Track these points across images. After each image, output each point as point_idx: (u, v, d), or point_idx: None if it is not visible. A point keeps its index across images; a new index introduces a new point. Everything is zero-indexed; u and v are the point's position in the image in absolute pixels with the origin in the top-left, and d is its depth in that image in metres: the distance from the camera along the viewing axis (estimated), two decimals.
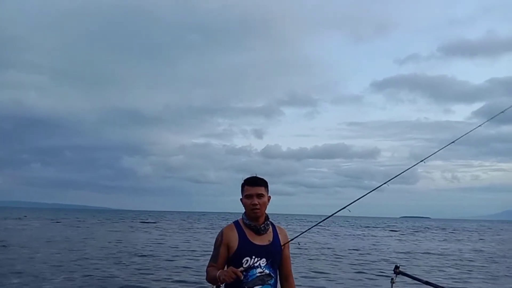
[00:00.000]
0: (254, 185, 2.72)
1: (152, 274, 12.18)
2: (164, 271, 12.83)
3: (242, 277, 2.51)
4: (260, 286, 2.62)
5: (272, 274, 2.68)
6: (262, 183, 2.75)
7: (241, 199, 2.78)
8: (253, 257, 2.65)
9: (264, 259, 2.66)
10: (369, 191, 3.11)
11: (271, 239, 2.73)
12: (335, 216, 3.06)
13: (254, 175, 2.79)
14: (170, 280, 11.28)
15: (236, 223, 2.79)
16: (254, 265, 2.63)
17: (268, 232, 2.74)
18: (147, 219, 64.89)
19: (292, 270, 2.89)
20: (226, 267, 2.71)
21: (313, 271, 13.37)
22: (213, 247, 2.78)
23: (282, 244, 2.77)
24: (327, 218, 3.19)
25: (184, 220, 69.30)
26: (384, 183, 3.17)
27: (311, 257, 17.60)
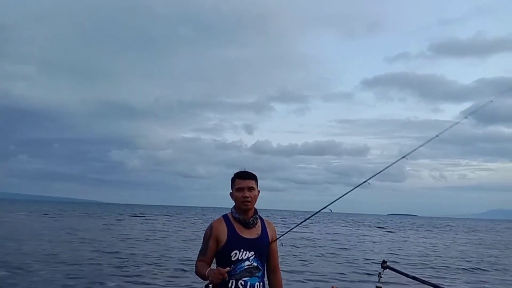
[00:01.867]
0: (245, 179, 2.76)
1: (141, 267, 12.17)
2: (153, 264, 12.83)
3: (227, 278, 2.56)
4: (248, 278, 2.68)
5: (260, 266, 2.74)
6: (253, 176, 2.81)
7: (231, 193, 2.82)
8: (242, 250, 2.70)
9: (252, 252, 2.71)
10: (351, 188, 3.14)
11: (259, 233, 2.78)
12: (322, 212, 3.09)
13: (244, 170, 2.83)
14: (159, 272, 11.30)
15: (225, 217, 2.83)
16: (242, 258, 2.68)
17: (256, 226, 2.79)
18: (136, 213, 64.58)
19: (279, 264, 2.96)
20: (215, 260, 2.77)
21: (300, 266, 13.48)
22: (202, 240, 2.82)
23: (270, 238, 2.82)
24: (310, 217, 3.24)
25: (172, 214, 69.09)
26: (366, 181, 3.20)
27: (298, 253, 17.72)
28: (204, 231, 2.86)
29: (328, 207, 3.00)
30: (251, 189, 2.75)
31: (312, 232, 33.40)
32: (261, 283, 2.74)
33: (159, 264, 12.84)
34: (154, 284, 9.85)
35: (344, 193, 3.09)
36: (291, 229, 3.02)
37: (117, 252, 15.36)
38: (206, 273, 2.62)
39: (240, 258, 2.68)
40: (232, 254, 2.68)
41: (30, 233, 21.44)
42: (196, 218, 53.21)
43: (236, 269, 2.65)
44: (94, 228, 28.50)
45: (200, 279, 2.72)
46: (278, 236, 2.92)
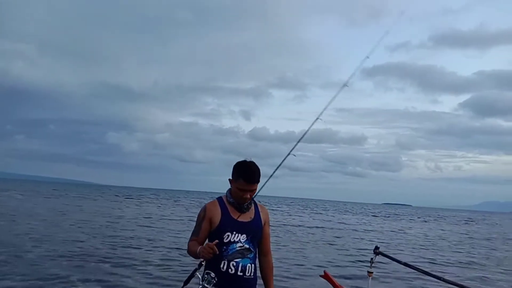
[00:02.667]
0: (251, 183, 2.69)
1: (135, 249, 12.22)
2: (146, 246, 12.89)
3: (218, 252, 2.55)
4: (240, 259, 2.69)
5: (251, 249, 2.75)
6: (259, 180, 2.73)
7: (230, 180, 2.78)
8: (234, 232, 2.71)
9: (244, 235, 2.73)
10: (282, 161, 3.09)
11: (252, 216, 2.80)
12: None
13: (250, 161, 2.74)
14: (152, 254, 11.35)
15: (220, 199, 2.83)
16: (234, 240, 2.70)
17: (250, 210, 2.80)
18: (132, 195, 64.75)
19: (271, 249, 2.97)
20: (207, 241, 2.76)
21: (292, 252, 13.57)
22: (196, 222, 2.82)
23: (263, 222, 2.84)
24: (276, 169, 3.09)
25: (168, 198, 69.34)
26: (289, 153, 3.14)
27: (292, 239, 17.85)
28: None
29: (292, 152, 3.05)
30: (253, 191, 2.73)
31: (305, 219, 33.63)
32: (253, 265, 2.76)
33: (153, 247, 12.89)
34: (147, 266, 9.89)
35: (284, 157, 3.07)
36: (260, 189, 2.84)
37: (112, 234, 15.41)
38: (198, 250, 2.62)
39: (232, 240, 2.69)
40: (224, 236, 2.69)
41: (25, 213, 21.45)
42: (192, 202, 53.40)
43: (228, 250, 2.67)
44: (90, 209, 28.55)
45: (192, 258, 2.72)
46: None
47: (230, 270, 2.66)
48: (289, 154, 3.18)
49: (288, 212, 40.92)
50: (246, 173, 2.68)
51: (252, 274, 2.74)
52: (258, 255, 2.88)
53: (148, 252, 11.76)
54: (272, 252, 2.99)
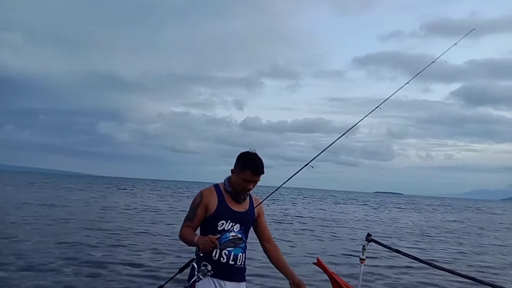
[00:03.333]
0: (258, 175, 2.73)
1: (126, 239, 12.21)
2: (139, 236, 12.89)
3: (218, 247, 2.56)
4: (232, 248, 2.73)
5: (244, 238, 2.81)
6: (264, 171, 2.76)
7: (232, 171, 2.78)
8: (229, 221, 2.73)
9: (238, 225, 2.76)
10: (301, 167, 3.13)
11: (247, 207, 2.84)
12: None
13: (255, 153, 2.76)
14: (145, 245, 11.35)
15: (217, 186, 2.83)
16: (228, 229, 2.72)
17: (245, 201, 2.85)
18: (123, 186, 64.54)
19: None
20: (199, 227, 2.77)
21: (285, 241, 13.66)
22: (190, 207, 2.81)
23: (256, 213, 2.89)
24: (276, 189, 3.22)
25: (160, 189, 69.25)
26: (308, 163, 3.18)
27: (284, 228, 17.96)
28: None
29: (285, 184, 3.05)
30: (256, 182, 2.76)
31: (297, 209, 33.82)
32: (244, 254, 2.81)
33: (146, 237, 12.89)
34: (140, 257, 9.90)
35: (293, 174, 3.08)
36: (265, 199, 3.05)
37: (103, 225, 15.37)
38: (195, 240, 2.60)
39: (226, 228, 2.72)
40: (219, 224, 2.71)
41: (15, 204, 21.29)
42: (184, 192, 53.39)
43: (221, 239, 2.67)
44: (81, 200, 28.42)
45: (183, 243, 2.72)
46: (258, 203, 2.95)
47: (222, 258, 2.68)
48: (307, 164, 3.16)
49: (281, 201, 41.12)
50: (253, 165, 2.70)
51: (242, 263, 2.79)
52: (262, 244, 2.95)
53: (140, 242, 11.75)
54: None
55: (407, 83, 3.93)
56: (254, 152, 2.78)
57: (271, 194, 3.17)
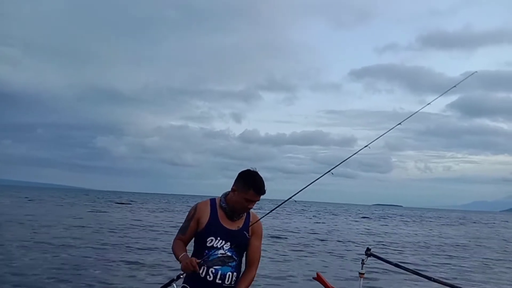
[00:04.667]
0: (260, 195, 2.66)
1: (125, 254, 12.10)
2: (136, 253, 12.77)
3: (198, 271, 2.51)
4: (219, 267, 2.62)
5: (234, 257, 2.67)
6: (265, 191, 2.69)
7: (233, 189, 2.68)
8: (218, 238, 2.65)
9: (228, 243, 2.65)
10: (315, 179, 3.05)
11: (240, 226, 2.71)
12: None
13: (256, 171, 2.69)
14: (142, 260, 11.24)
15: (213, 201, 2.76)
16: (217, 246, 2.63)
17: (240, 219, 2.73)
18: (121, 200, 64.21)
19: (261, 258, 2.84)
20: (193, 240, 2.73)
21: (285, 255, 13.56)
22: (185, 218, 2.77)
23: (250, 233, 2.73)
24: (277, 207, 3.15)
25: (158, 202, 68.90)
26: (328, 171, 3.16)
27: (283, 241, 17.84)
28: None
29: (293, 198, 2.92)
30: (257, 201, 2.69)
31: (296, 222, 33.66)
32: (235, 273, 2.67)
33: (144, 253, 12.77)
34: (138, 272, 9.80)
35: (307, 184, 3.00)
36: (263, 216, 2.89)
37: (101, 239, 15.25)
38: (180, 257, 2.59)
39: (215, 245, 2.63)
40: (208, 240, 2.64)
41: (13, 219, 21.14)
42: (182, 206, 53.13)
43: (209, 255, 2.60)
44: (79, 214, 28.24)
45: (174, 256, 2.70)
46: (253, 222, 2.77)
47: (208, 276, 2.59)
48: (325, 173, 3.11)
49: (279, 214, 40.93)
50: (256, 185, 2.63)
51: (232, 283, 2.65)
52: (245, 265, 2.79)
53: (137, 258, 11.63)
54: (262, 255, 2.88)
55: (430, 103, 3.99)
56: (255, 170, 2.70)
57: (275, 208, 3.04)
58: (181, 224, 2.80)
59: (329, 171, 3.09)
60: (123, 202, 56.85)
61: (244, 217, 2.75)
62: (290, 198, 2.92)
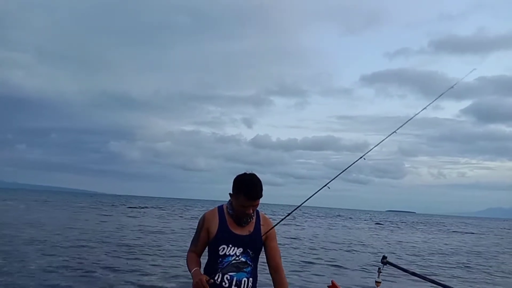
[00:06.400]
0: (253, 200, 2.58)
1: (138, 259, 12.13)
2: (150, 255, 12.80)
3: None
4: (234, 273, 2.59)
5: (249, 262, 2.64)
6: (261, 194, 2.61)
7: (230, 195, 2.66)
8: (230, 245, 2.62)
9: (241, 249, 2.62)
10: (321, 186, 3.03)
11: (251, 230, 2.67)
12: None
13: (252, 174, 2.63)
14: (155, 263, 11.26)
15: (220, 208, 2.73)
16: (230, 254, 2.61)
17: (250, 223, 2.68)
18: (134, 204, 64.63)
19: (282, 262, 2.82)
20: (207, 249, 2.72)
21: (298, 261, 13.45)
22: (196, 229, 2.76)
23: (263, 235, 2.69)
24: (290, 213, 3.13)
25: (170, 207, 69.17)
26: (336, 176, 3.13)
27: (297, 248, 17.71)
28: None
29: (300, 207, 2.95)
30: (256, 206, 2.63)
31: (310, 227, 33.44)
32: (250, 279, 2.63)
33: (158, 257, 12.80)
34: (151, 276, 9.81)
35: (315, 192, 2.96)
36: (278, 222, 2.84)
37: (114, 242, 15.33)
38: (192, 272, 2.58)
39: (227, 253, 2.61)
40: (220, 248, 2.61)
41: (28, 222, 21.41)
42: (194, 211, 53.24)
43: (223, 262, 2.58)
44: (92, 218, 28.48)
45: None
46: (270, 228, 2.73)
47: (224, 283, 2.56)
48: (334, 178, 3.09)
49: (292, 221, 40.74)
50: (247, 189, 2.55)
51: None
52: (270, 271, 2.76)
53: (151, 261, 11.67)
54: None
55: (425, 107, 3.89)
56: (250, 173, 2.63)
57: (286, 217, 3.03)
58: (192, 233, 2.79)
59: (326, 185, 3.03)
60: (135, 206, 57.23)
61: (254, 221, 2.70)
62: (292, 211, 2.98)
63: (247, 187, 2.56)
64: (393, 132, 3.54)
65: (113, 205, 58.90)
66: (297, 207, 3.04)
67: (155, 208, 57.49)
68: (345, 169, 3.22)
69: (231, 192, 2.65)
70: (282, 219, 3.09)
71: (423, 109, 3.87)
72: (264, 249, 2.74)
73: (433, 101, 3.93)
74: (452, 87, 4.02)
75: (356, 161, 3.30)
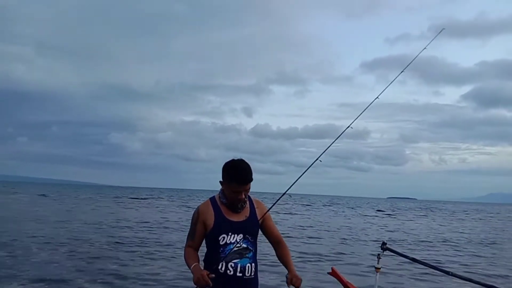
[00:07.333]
0: (244, 184, 2.61)
1: (140, 250, 12.22)
2: (151, 247, 12.88)
3: (211, 285, 2.47)
4: (238, 260, 2.61)
5: (250, 247, 2.67)
6: (251, 177, 2.64)
7: (221, 183, 2.69)
8: (230, 233, 2.63)
9: (241, 235, 2.65)
10: (305, 169, 3.11)
11: (247, 215, 2.71)
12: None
13: (240, 160, 2.65)
14: (159, 256, 11.34)
15: (213, 199, 2.75)
16: (230, 242, 2.62)
17: (244, 208, 2.71)
18: (136, 196, 64.88)
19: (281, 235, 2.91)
20: (205, 242, 2.73)
21: (298, 248, 13.53)
22: (190, 223, 2.76)
23: (259, 218, 2.74)
24: (274, 203, 3.10)
25: (172, 198, 69.42)
26: (317, 159, 3.19)
27: (297, 236, 17.81)
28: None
29: (287, 192, 2.98)
30: (247, 190, 2.65)
31: (309, 216, 33.59)
32: (253, 264, 2.67)
33: (161, 248, 12.88)
34: (154, 267, 9.88)
35: (300, 175, 3.03)
36: (271, 207, 2.88)
37: (117, 235, 15.42)
38: (191, 268, 2.57)
39: (228, 242, 2.62)
40: (220, 238, 2.62)
41: (31, 215, 21.54)
42: (195, 201, 53.48)
43: (225, 251, 2.60)
44: (94, 210, 28.63)
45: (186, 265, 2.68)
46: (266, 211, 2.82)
47: (228, 271, 2.58)
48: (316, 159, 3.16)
49: (292, 209, 40.91)
50: (237, 175, 2.58)
51: (252, 274, 2.66)
52: (272, 245, 2.86)
53: (155, 253, 11.74)
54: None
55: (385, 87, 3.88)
56: (238, 159, 2.66)
57: (275, 203, 3.00)
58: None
59: (317, 159, 3.16)
60: (138, 197, 57.45)
61: (248, 206, 2.74)
62: (287, 190, 2.95)
63: (237, 172, 2.59)
64: (347, 128, 3.45)
65: (116, 196, 59.14)
66: (292, 184, 3.04)
67: (156, 199, 57.71)
68: (318, 158, 3.21)
69: (222, 180, 2.68)
70: (278, 199, 3.12)
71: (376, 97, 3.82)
72: (262, 230, 2.81)
73: (398, 76, 3.92)
74: (402, 71, 4.02)
75: (325, 151, 3.28)
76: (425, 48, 3.89)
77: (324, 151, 3.18)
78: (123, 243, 13.13)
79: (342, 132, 3.37)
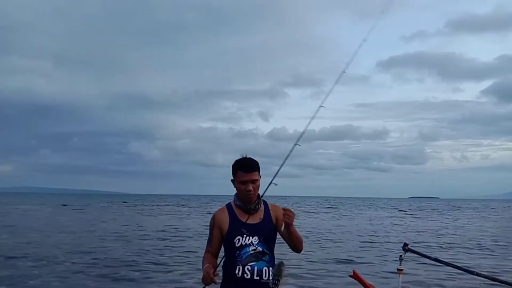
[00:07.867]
0: (248, 171, 2.66)
1: (163, 257, 12.31)
2: (176, 255, 12.96)
3: (216, 282, 2.52)
4: (254, 263, 2.62)
5: (266, 250, 2.68)
6: (256, 167, 2.70)
7: (232, 181, 2.75)
8: (244, 235, 2.66)
9: (256, 237, 2.66)
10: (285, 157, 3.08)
11: (262, 217, 2.73)
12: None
13: (246, 156, 2.73)
14: (183, 264, 11.41)
15: (228, 205, 2.81)
16: (246, 244, 2.64)
17: (259, 211, 2.74)
18: (157, 203, 65.45)
19: (294, 257, 2.80)
20: (223, 247, 2.75)
21: (320, 249, 13.44)
22: (209, 230, 2.81)
23: (274, 221, 2.74)
24: (266, 189, 2.92)
25: (193, 204, 69.71)
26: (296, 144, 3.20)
27: (318, 238, 17.68)
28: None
29: (273, 182, 2.90)
30: (254, 181, 2.68)
31: (333, 216, 33.33)
32: (270, 268, 2.67)
33: (185, 256, 12.92)
34: (179, 275, 9.94)
35: (281, 164, 3.02)
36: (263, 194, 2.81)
37: (138, 242, 15.58)
38: (203, 268, 2.61)
39: (243, 243, 2.64)
40: (235, 241, 2.65)
41: (55, 225, 21.96)
42: (215, 207, 53.57)
43: (242, 254, 2.62)
44: (116, 219, 28.99)
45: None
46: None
47: (245, 275, 2.59)
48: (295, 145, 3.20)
49: (313, 211, 40.66)
50: (241, 163, 2.69)
51: (270, 278, 2.64)
52: (289, 244, 2.78)
53: (177, 260, 11.80)
54: (297, 252, 2.82)
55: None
56: (244, 155, 2.75)
57: (263, 193, 2.85)
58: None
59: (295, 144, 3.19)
60: (158, 204, 57.96)
61: (263, 208, 2.76)
62: (271, 182, 2.88)
63: (241, 161, 2.71)
64: (295, 144, 3.27)
65: (136, 204, 59.80)
66: (277, 173, 2.96)
67: (176, 205, 58.08)
68: (288, 154, 3.15)
69: (231, 178, 2.75)
70: (266, 189, 2.91)
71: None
72: (280, 233, 2.77)
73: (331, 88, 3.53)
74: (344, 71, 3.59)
75: (296, 145, 3.26)
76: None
77: (300, 137, 3.22)
78: (145, 250, 13.26)
79: (303, 132, 3.33)
